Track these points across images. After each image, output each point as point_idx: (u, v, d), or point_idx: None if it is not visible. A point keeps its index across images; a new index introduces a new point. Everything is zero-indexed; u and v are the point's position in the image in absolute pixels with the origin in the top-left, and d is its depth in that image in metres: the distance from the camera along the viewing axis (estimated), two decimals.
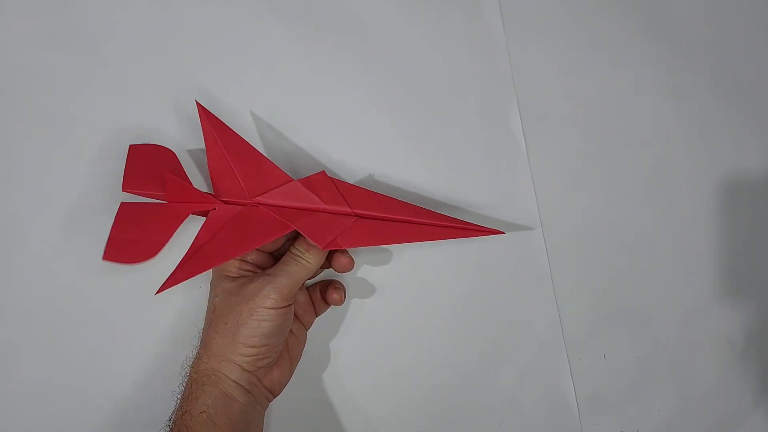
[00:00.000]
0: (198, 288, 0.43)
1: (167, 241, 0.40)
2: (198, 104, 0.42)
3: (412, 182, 0.48)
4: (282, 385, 0.41)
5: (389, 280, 0.47)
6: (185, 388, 0.37)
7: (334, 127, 0.47)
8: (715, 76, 0.54)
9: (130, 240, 0.40)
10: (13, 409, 0.41)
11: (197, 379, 0.37)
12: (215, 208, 0.40)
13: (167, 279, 0.38)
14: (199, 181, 0.45)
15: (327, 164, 0.47)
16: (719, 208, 0.53)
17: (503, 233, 0.44)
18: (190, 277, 0.38)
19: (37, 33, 0.44)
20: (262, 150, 0.46)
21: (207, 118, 0.42)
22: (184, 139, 0.45)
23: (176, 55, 0.46)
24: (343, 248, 0.40)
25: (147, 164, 0.42)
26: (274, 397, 0.40)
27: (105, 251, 0.39)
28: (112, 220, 0.42)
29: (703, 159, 0.53)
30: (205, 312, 0.40)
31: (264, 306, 0.37)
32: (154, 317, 0.43)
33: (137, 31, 0.46)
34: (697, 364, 0.52)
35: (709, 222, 0.53)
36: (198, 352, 0.38)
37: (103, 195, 0.44)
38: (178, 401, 0.37)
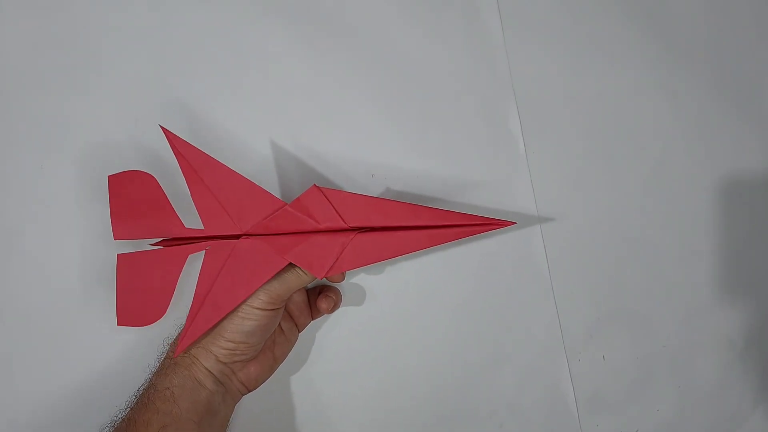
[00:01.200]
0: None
1: (173, 290, 0.39)
2: (165, 131, 0.39)
3: (411, 182, 0.48)
4: (259, 382, 0.41)
5: (387, 283, 0.47)
6: (159, 364, 0.38)
7: (333, 128, 0.47)
8: (715, 76, 0.54)
9: (137, 297, 0.39)
10: (12, 411, 0.41)
11: (171, 358, 0.38)
12: (210, 247, 0.40)
13: (182, 339, 0.37)
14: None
15: (326, 165, 0.47)
16: (719, 208, 0.53)
17: (515, 223, 0.43)
18: (204, 331, 0.37)
19: (36, 36, 0.44)
20: (262, 152, 0.46)
21: (180, 149, 0.39)
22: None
23: (175, 58, 0.46)
24: (345, 271, 0.40)
25: (130, 198, 0.40)
26: (249, 392, 0.41)
27: (118, 317, 0.39)
28: (109, 219, 0.43)
29: (703, 159, 0.53)
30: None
31: (251, 305, 0.37)
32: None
33: (135, 34, 0.45)
34: (697, 364, 0.52)
35: (709, 222, 0.53)
36: (180, 334, 0.39)
37: (101, 197, 0.44)
38: (150, 375, 0.38)
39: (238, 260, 0.39)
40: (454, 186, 0.48)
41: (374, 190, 0.47)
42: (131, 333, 0.43)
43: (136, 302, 0.39)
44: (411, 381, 0.47)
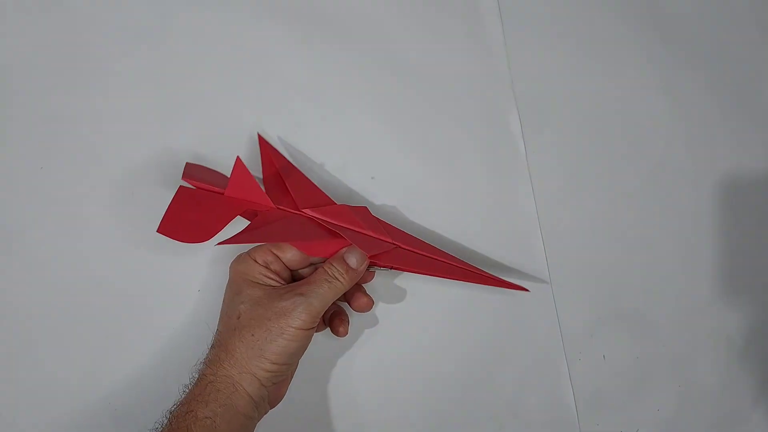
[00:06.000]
0: (197, 291, 0.43)
1: (223, 228, 0.39)
2: (259, 136, 0.45)
3: (411, 184, 0.48)
4: (280, 399, 0.41)
5: (387, 290, 0.47)
6: (196, 385, 0.37)
7: (333, 131, 0.47)
8: (715, 75, 0.54)
9: (184, 221, 0.39)
10: (15, 411, 0.41)
11: (213, 383, 0.36)
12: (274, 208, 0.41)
13: (232, 237, 0.38)
14: None
15: (326, 167, 0.47)
16: (719, 208, 0.53)
17: (527, 291, 0.45)
18: (254, 242, 0.39)
19: (36, 36, 0.44)
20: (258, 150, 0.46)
21: (265, 145, 0.45)
22: (181, 144, 0.45)
23: (175, 58, 0.46)
24: (382, 265, 0.42)
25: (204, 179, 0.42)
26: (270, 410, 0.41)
27: (161, 224, 0.38)
28: (109, 221, 0.43)
29: (703, 159, 0.53)
30: (219, 312, 0.40)
31: (293, 326, 0.37)
32: (155, 319, 0.43)
33: (136, 34, 0.46)
34: (697, 364, 0.52)
35: (709, 221, 0.53)
36: (218, 356, 0.37)
37: (101, 197, 0.44)
38: (184, 395, 0.37)
39: (294, 220, 0.41)
40: (453, 188, 0.48)
41: (375, 192, 0.47)
42: (144, 350, 0.43)
43: (184, 223, 0.39)
44: (411, 385, 0.47)
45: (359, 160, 0.47)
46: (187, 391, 0.37)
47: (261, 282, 0.39)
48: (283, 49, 0.47)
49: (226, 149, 0.45)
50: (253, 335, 0.37)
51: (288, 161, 0.45)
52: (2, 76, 0.44)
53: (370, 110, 0.48)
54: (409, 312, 0.47)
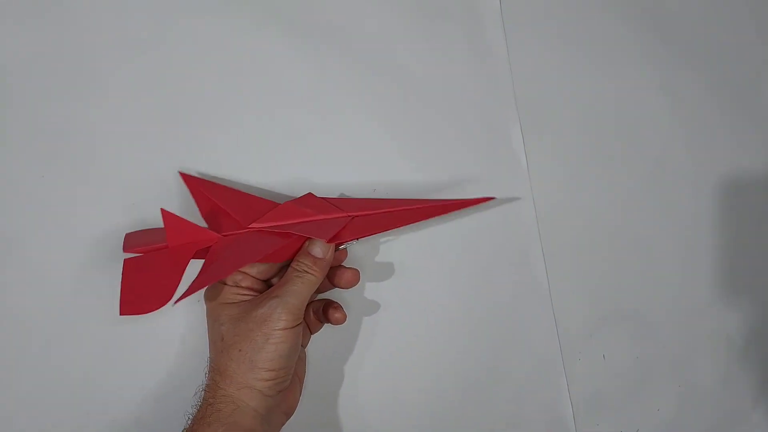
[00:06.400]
0: (197, 301, 0.44)
1: (178, 284, 0.39)
2: (181, 174, 0.44)
3: (413, 191, 0.47)
4: (294, 407, 0.41)
5: (386, 296, 0.47)
6: (198, 411, 0.37)
7: (333, 141, 0.47)
8: (715, 75, 0.54)
9: (141, 291, 0.39)
10: (11, 426, 0.42)
11: (213, 405, 0.36)
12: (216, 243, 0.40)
13: (188, 288, 0.38)
14: None
15: (326, 180, 0.47)
16: (719, 208, 0.53)
17: (494, 198, 0.47)
18: (211, 283, 0.39)
19: (37, 44, 0.44)
20: (261, 165, 0.46)
21: (190, 181, 0.44)
22: (182, 152, 0.45)
23: (175, 65, 0.45)
24: (346, 240, 0.41)
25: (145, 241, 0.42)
26: (286, 421, 0.41)
27: (120, 308, 0.38)
28: (110, 224, 0.43)
29: (703, 159, 0.53)
30: (207, 336, 0.40)
31: (277, 329, 0.37)
32: (157, 328, 0.43)
33: (135, 43, 0.45)
34: (697, 364, 0.52)
35: (709, 221, 0.53)
36: (213, 379, 0.37)
37: (102, 205, 0.44)
38: (189, 422, 0.37)
39: (245, 240, 0.40)
40: (453, 188, 0.48)
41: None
42: (142, 365, 0.43)
43: (140, 295, 0.39)
44: (408, 383, 0.47)
45: (360, 172, 0.47)
46: (190, 418, 0.37)
47: (236, 301, 0.39)
48: (283, 62, 0.47)
49: (227, 153, 0.45)
50: (240, 350, 0.37)
51: (216, 184, 0.44)
52: (3, 83, 0.44)
53: (371, 121, 0.47)
54: (407, 311, 0.47)
